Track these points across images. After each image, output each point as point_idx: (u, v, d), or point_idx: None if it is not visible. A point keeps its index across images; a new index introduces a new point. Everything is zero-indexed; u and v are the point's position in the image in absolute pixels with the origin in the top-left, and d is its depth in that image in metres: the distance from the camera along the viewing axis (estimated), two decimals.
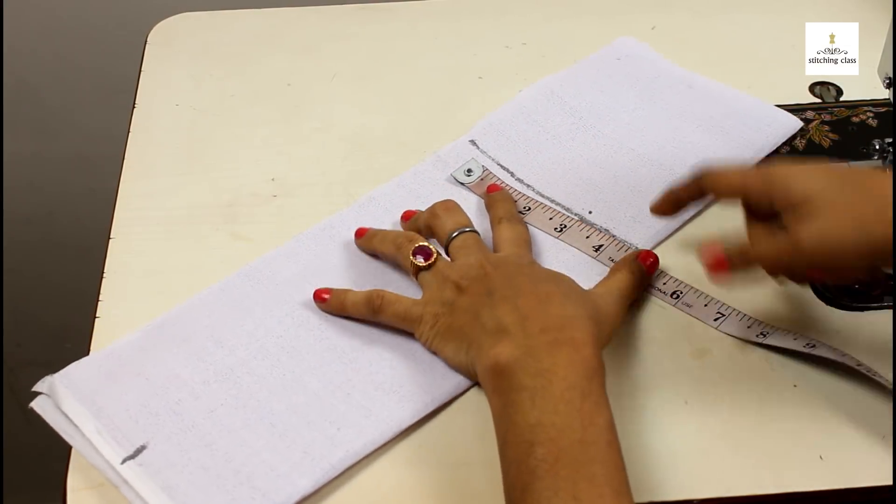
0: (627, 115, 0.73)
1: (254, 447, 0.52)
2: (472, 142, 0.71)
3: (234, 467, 0.51)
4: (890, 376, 0.56)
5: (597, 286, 0.58)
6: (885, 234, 0.48)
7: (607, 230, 0.64)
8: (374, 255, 0.63)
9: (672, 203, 0.59)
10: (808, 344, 0.56)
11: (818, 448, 0.53)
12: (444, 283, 0.57)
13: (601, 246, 0.63)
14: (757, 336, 0.57)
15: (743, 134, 0.71)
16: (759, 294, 0.61)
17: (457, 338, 0.55)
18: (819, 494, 0.52)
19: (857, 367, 0.54)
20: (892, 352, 0.57)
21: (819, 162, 0.58)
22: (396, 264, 0.61)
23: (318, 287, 0.60)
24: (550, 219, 0.65)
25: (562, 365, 0.49)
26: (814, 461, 0.53)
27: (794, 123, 0.72)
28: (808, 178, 0.51)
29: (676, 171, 0.67)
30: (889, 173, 0.50)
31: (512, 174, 0.69)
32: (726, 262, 0.53)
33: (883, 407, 0.55)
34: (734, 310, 0.59)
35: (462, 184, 0.68)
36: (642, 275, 0.60)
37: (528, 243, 0.62)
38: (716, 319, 0.59)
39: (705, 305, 0.60)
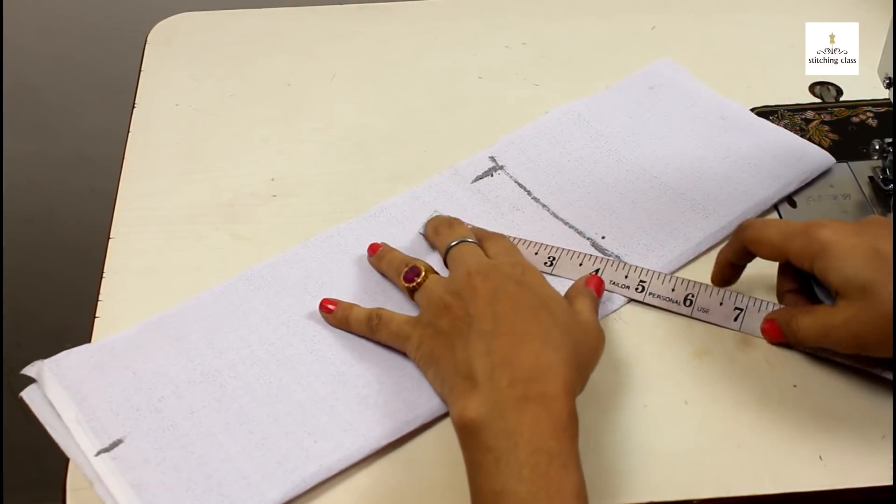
0: (654, 143, 0.71)
1: (229, 452, 0.52)
2: (492, 158, 0.70)
3: (207, 471, 0.51)
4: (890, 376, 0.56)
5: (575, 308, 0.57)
6: None
7: (618, 256, 0.63)
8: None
9: (724, 268, 0.61)
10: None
11: (818, 448, 0.53)
12: (431, 302, 0.56)
13: (598, 270, 0.62)
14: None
15: (771, 167, 0.68)
16: (759, 295, 0.61)
17: (435, 365, 0.54)
18: (819, 494, 0.52)
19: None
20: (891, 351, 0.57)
21: (863, 230, 0.54)
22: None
23: (318, 296, 0.60)
24: (536, 254, 0.63)
25: (528, 424, 0.47)
26: (813, 461, 0.53)
27: (825, 159, 0.69)
28: (855, 263, 0.52)
29: (697, 201, 0.66)
30: None
31: (528, 193, 0.68)
32: (779, 331, 0.58)
33: (882, 407, 0.55)
34: (752, 298, 0.59)
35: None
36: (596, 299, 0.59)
37: (516, 248, 0.62)
38: (735, 319, 0.59)
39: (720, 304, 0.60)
